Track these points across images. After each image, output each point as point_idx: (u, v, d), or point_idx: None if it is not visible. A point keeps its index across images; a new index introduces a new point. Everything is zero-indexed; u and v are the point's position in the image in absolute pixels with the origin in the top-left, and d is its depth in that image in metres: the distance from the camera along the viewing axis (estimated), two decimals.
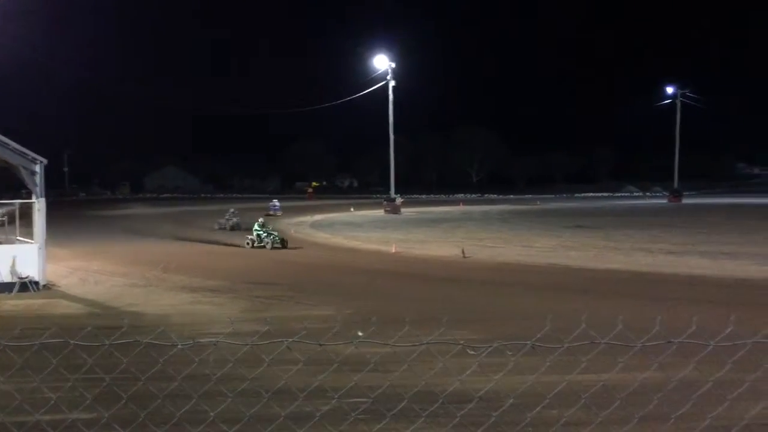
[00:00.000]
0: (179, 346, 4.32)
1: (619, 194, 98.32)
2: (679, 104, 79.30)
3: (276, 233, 31.61)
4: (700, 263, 24.68)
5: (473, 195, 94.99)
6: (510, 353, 6.05)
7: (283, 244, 30.67)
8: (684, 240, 32.91)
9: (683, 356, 5.12)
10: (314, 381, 5.16)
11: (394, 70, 61.45)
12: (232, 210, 43.20)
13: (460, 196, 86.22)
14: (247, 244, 30.81)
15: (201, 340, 4.71)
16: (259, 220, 32.31)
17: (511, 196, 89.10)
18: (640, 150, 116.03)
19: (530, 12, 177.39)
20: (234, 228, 40.23)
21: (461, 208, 64.55)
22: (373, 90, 62.58)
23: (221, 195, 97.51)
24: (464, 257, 26.98)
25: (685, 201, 73.78)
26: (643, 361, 5.36)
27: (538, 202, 75.09)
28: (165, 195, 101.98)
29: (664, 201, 75.93)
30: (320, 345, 4.46)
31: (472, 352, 6.53)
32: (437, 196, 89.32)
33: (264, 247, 30.32)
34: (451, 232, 39.07)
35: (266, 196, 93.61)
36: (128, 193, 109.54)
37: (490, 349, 4.82)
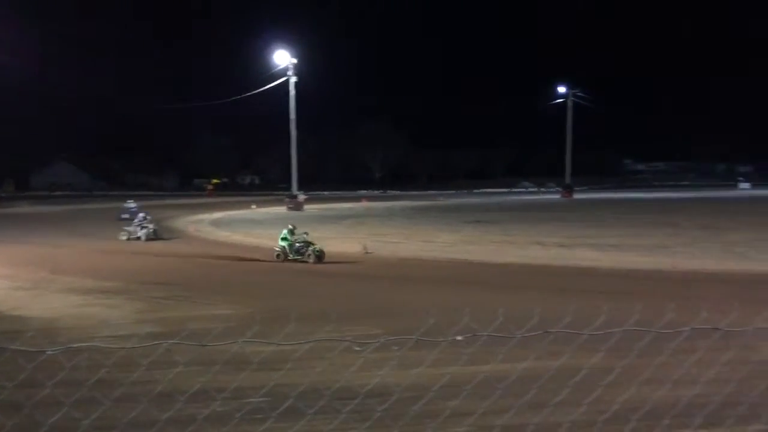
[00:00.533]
0: (48, 352, 4.09)
1: (516, 190, 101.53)
2: (570, 103, 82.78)
3: (314, 243, 25.21)
4: (590, 255, 25.79)
5: (376, 191, 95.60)
6: (396, 348, 6.10)
7: (320, 257, 24.59)
8: (575, 233, 34.31)
9: (560, 345, 5.35)
10: (196, 383, 5.01)
11: (296, 66, 60.97)
12: (142, 215, 34.36)
13: (363, 192, 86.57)
14: (278, 256, 24.91)
15: (73, 345, 4.47)
16: (288, 227, 25.74)
17: (413, 192, 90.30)
18: (534, 146, 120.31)
19: (434, 10, 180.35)
20: (152, 238, 32.43)
21: (364, 204, 64.81)
22: (275, 86, 61.89)
23: (117, 192, 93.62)
24: (366, 253, 27.09)
25: (577, 196, 76.94)
26: (522, 351, 5.54)
27: (440, 198, 76.44)
28: (56, 192, 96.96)
29: (558, 196, 78.92)
30: (203, 346, 4.33)
31: (358, 349, 6.57)
32: (340, 192, 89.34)
33: (305, 261, 24.28)
34: (354, 229, 39.14)
35: (165, 193, 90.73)
36: (14, 191, 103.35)
37: (376, 345, 4.86)
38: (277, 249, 25.24)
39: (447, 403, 5.29)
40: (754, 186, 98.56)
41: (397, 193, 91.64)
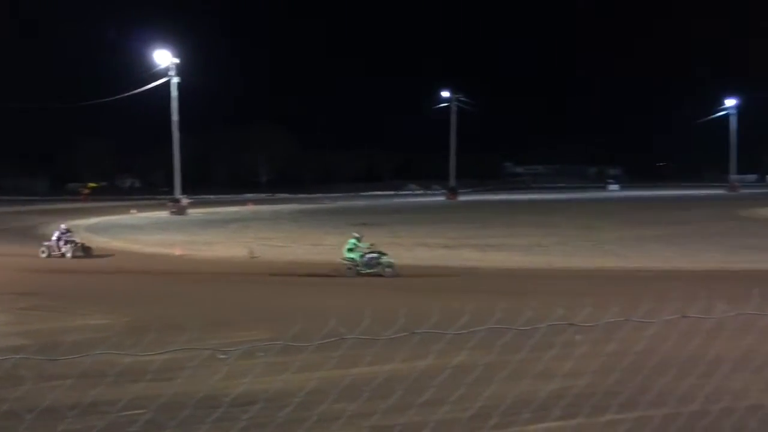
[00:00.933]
0: None
1: (403, 192, 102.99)
2: (454, 107, 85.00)
3: (386, 252, 22.36)
4: (472, 255, 26.63)
5: (263, 194, 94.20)
6: (262, 354, 5.99)
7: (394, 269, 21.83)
8: (459, 234, 35.29)
9: (425, 346, 5.44)
10: (46, 399, 4.71)
11: (178, 66, 59.21)
12: (63, 226, 29.40)
13: (250, 195, 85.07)
14: (349, 269, 21.72)
15: None
16: (354, 235, 22.78)
17: (301, 195, 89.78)
18: (420, 149, 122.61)
19: (320, 12, 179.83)
20: (80, 255, 27.85)
21: (250, 208, 63.79)
22: (157, 86, 59.79)
23: None
24: (252, 257, 26.74)
25: (461, 198, 79.10)
26: (389, 353, 5.58)
27: (327, 201, 76.35)
28: None
29: (443, 198, 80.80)
30: (53, 360, 4.08)
31: (223, 356, 6.43)
32: (226, 196, 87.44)
33: (380, 275, 21.42)
34: (240, 233, 38.58)
35: (37, 198, 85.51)
36: None
37: (240, 352, 4.74)
38: (345, 262, 21.98)
39: (314, 408, 5.25)
40: (623, 187, 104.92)
41: (285, 196, 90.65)
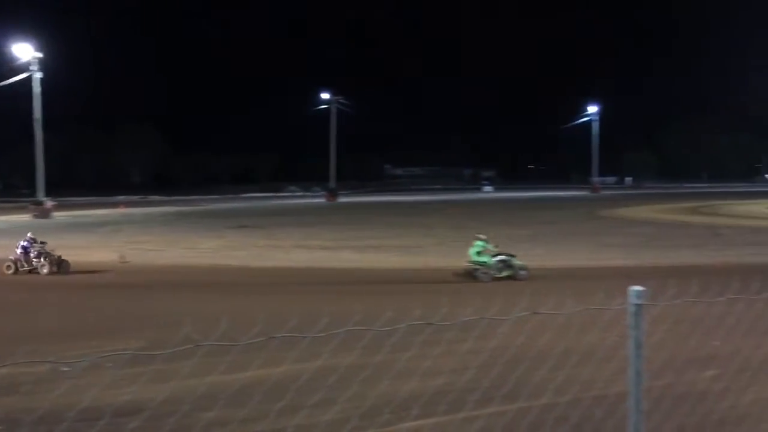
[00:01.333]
0: None
1: (282, 194, 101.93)
2: (333, 109, 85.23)
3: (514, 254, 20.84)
4: (351, 257, 26.74)
5: (135, 197, 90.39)
6: (110, 365, 5.70)
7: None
8: (338, 236, 35.35)
9: (284, 351, 5.37)
10: None
11: (42, 60, 55.80)
12: (30, 235, 24.07)
13: (121, 198, 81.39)
14: (484, 274, 19.95)
15: None
16: (480, 237, 20.98)
17: (176, 197, 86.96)
18: (300, 151, 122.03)
19: (198, 8, 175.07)
20: (54, 270, 23.04)
21: (122, 210, 61.07)
22: (17, 81, 56.09)
23: None
24: (122, 262, 25.64)
25: (341, 200, 79.36)
26: (247, 358, 5.47)
27: (203, 204, 74.35)
28: None
29: (322, 200, 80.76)
30: None
31: (66, 369, 6.07)
32: (95, 198, 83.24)
33: (511, 277, 19.76)
34: (110, 237, 36.91)
35: None
36: None
37: (85, 364, 4.47)
38: (478, 266, 20.19)
39: (164, 421, 5.04)
40: (496, 189, 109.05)
41: (159, 198, 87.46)
